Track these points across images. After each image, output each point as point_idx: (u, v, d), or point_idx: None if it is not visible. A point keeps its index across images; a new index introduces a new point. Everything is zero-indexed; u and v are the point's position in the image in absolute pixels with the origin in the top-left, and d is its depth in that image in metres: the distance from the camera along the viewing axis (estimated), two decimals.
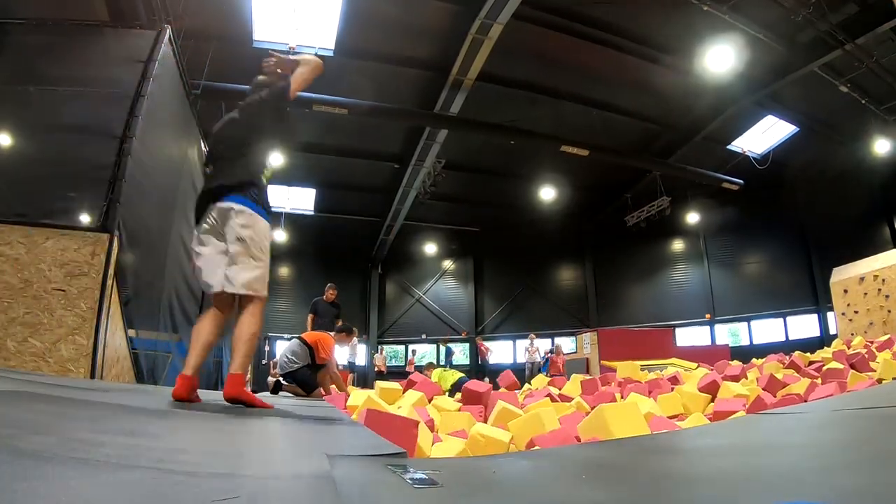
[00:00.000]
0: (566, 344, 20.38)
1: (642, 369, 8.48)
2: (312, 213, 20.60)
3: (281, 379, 6.20)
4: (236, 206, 2.81)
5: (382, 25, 11.64)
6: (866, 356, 6.07)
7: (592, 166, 16.89)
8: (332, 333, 6.81)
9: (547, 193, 18.68)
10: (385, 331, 23.95)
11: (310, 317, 8.57)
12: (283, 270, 23.42)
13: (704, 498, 1.06)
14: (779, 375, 5.31)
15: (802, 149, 16.49)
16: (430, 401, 4.45)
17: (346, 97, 12.35)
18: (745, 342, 19.52)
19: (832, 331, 16.21)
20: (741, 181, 16.83)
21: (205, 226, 2.88)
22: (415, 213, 19.55)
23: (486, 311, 23.79)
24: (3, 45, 5.34)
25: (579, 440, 2.96)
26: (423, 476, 1.18)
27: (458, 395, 5.13)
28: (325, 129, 15.01)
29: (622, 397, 4.87)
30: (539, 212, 20.53)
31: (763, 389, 4.61)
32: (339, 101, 12.28)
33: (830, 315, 16.27)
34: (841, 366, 5.54)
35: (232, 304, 2.90)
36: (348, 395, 4.87)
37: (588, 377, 7.10)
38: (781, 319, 19.16)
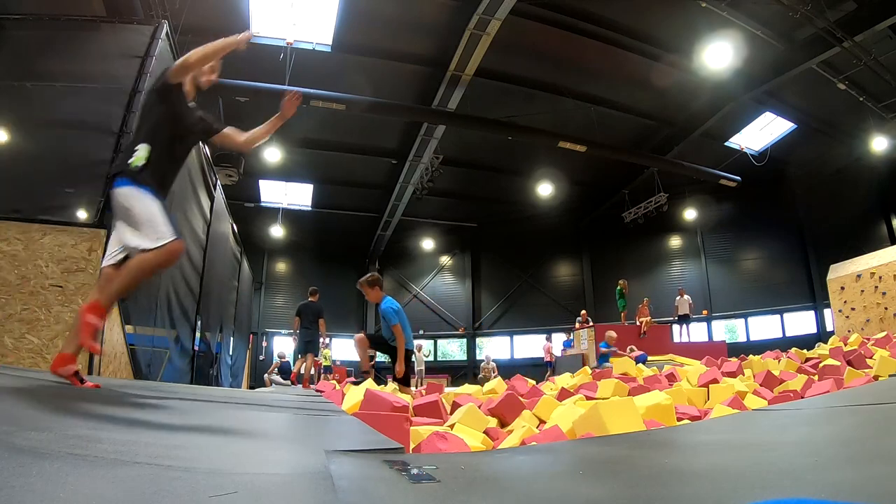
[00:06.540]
0: (562, 339, 20.35)
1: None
2: (310, 208, 20.56)
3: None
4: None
5: (380, 21, 11.61)
6: (863, 353, 6.09)
7: (590, 162, 16.89)
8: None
9: (545, 189, 18.68)
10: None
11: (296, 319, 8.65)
12: (281, 266, 23.41)
13: (701, 493, 1.07)
14: (776, 372, 5.33)
15: (800, 146, 16.51)
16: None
17: (343, 93, 12.31)
18: (741, 339, 19.56)
19: (829, 328, 16.27)
20: (739, 178, 16.83)
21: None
22: (412, 209, 19.53)
23: (483, 306, 23.80)
24: (0, 41, 5.31)
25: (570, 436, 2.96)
26: (421, 471, 1.18)
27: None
28: (323, 124, 14.98)
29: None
30: (537, 208, 20.54)
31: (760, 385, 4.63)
32: (337, 97, 12.25)
33: (827, 312, 16.33)
34: (838, 363, 5.56)
35: None
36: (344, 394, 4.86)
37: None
38: (778, 316, 19.21)
